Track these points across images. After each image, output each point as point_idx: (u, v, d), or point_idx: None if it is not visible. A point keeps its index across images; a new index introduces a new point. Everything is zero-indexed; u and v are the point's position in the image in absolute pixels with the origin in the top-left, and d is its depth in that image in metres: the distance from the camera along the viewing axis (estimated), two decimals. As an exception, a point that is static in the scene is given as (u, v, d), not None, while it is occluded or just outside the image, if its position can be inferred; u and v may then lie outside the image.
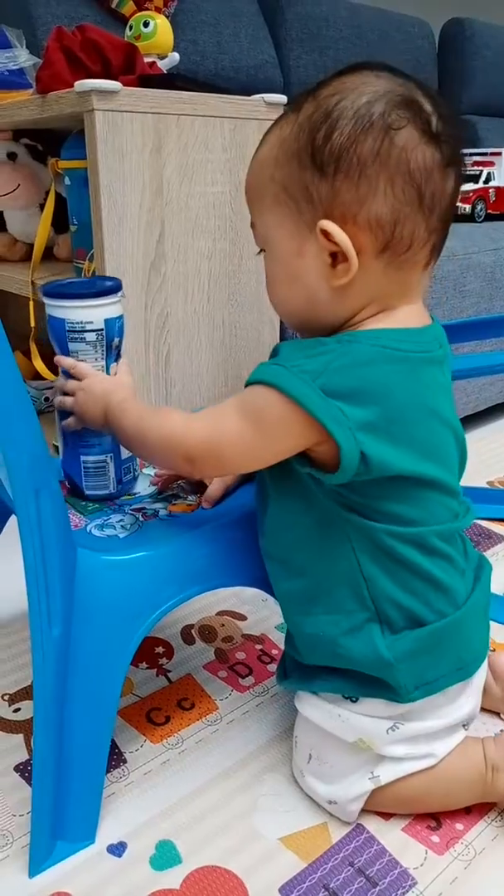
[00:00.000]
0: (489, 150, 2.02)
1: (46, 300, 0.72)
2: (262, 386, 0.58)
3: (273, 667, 0.96)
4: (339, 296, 0.59)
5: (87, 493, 0.80)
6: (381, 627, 0.64)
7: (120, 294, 0.74)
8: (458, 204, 1.92)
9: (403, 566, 0.63)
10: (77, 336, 0.71)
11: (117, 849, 0.71)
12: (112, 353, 0.74)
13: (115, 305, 0.73)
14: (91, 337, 0.72)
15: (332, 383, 0.56)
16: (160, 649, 1.00)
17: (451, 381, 0.64)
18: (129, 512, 0.78)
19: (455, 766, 0.69)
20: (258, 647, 1.00)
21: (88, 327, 0.71)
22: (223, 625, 1.05)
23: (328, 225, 0.56)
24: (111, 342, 0.73)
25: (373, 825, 0.73)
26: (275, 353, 0.62)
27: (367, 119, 0.54)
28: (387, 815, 0.73)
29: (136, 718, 0.87)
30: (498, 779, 0.69)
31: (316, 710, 0.71)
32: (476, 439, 1.73)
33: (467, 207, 1.90)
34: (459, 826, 0.73)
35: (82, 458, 0.78)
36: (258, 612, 1.07)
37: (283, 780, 0.79)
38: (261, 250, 0.65)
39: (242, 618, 1.06)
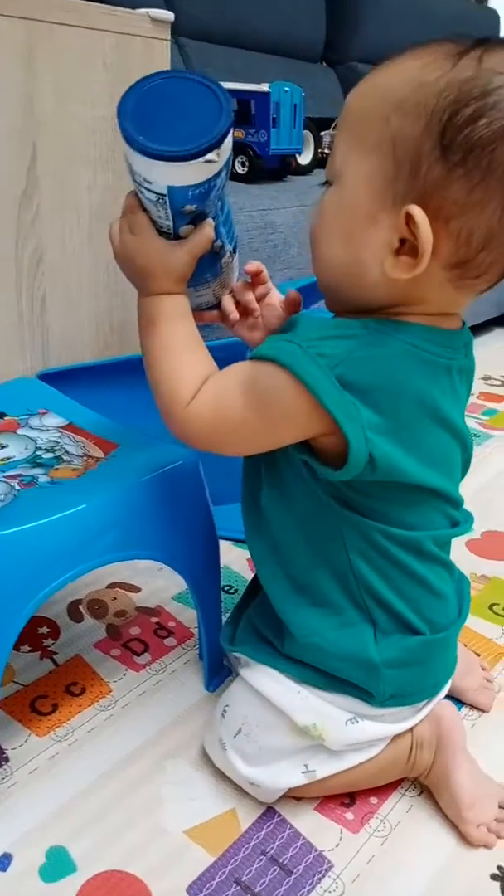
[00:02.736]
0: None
1: (125, 139, 0.52)
2: (273, 364, 0.51)
3: (171, 640, 0.89)
4: (385, 284, 0.51)
5: None
6: (373, 629, 0.61)
7: (205, 157, 0.51)
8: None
9: (397, 568, 0.59)
10: (142, 187, 0.54)
11: (1, 862, 0.62)
12: (184, 218, 0.56)
13: (192, 170, 0.51)
14: (152, 196, 0.54)
15: (351, 374, 0.50)
16: (44, 629, 0.90)
17: (468, 392, 0.60)
18: (3, 479, 0.68)
19: (386, 753, 0.65)
20: (154, 620, 0.92)
21: (148, 186, 0.53)
22: (115, 598, 0.96)
23: (417, 213, 0.47)
24: (180, 209, 0.54)
25: (284, 808, 0.68)
26: (290, 325, 0.54)
27: None
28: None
29: (19, 710, 0.78)
30: (421, 755, 0.67)
31: (272, 681, 0.64)
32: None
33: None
34: (373, 800, 0.69)
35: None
36: (153, 583, 0.99)
37: (186, 765, 0.72)
38: (326, 182, 0.54)
39: (136, 589, 0.98)
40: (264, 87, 1.35)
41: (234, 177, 1.44)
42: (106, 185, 1.06)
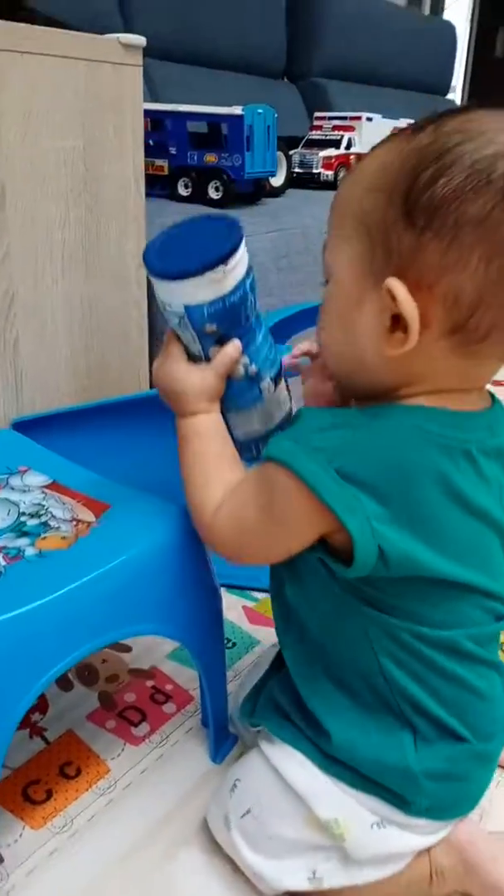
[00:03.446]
0: (349, 115, 1.94)
1: (147, 270, 0.57)
2: (275, 465, 0.50)
3: (170, 706, 0.83)
4: (387, 364, 0.49)
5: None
6: (413, 736, 0.56)
7: (214, 273, 0.53)
8: (321, 170, 1.83)
9: (431, 670, 0.54)
10: (167, 315, 0.59)
11: None
12: (209, 338, 0.58)
13: (204, 288, 0.54)
14: (173, 319, 0.58)
15: (351, 465, 0.47)
16: (32, 701, 0.83)
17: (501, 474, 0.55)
18: (-12, 555, 0.62)
19: (402, 876, 0.59)
20: (149, 683, 0.86)
21: (169, 309, 0.57)
22: (105, 661, 0.90)
23: (396, 286, 0.46)
24: (202, 328, 0.57)
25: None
26: (296, 417, 0.53)
27: (486, 175, 0.43)
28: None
29: (11, 798, 0.71)
30: (442, 885, 0.60)
31: (297, 765, 0.59)
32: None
33: (330, 174, 1.82)
34: None
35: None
36: (143, 640, 0.93)
37: (199, 852, 0.67)
38: (326, 281, 0.54)
39: (126, 649, 0.92)
40: (237, 111, 1.30)
41: (209, 202, 1.39)
42: (79, 219, 1.00)
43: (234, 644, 0.93)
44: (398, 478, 0.48)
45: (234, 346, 0.57)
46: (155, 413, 0.99)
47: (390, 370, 0.50)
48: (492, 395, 0.55)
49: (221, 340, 0.58)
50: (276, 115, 1.38)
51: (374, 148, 0.50)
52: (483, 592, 0.54)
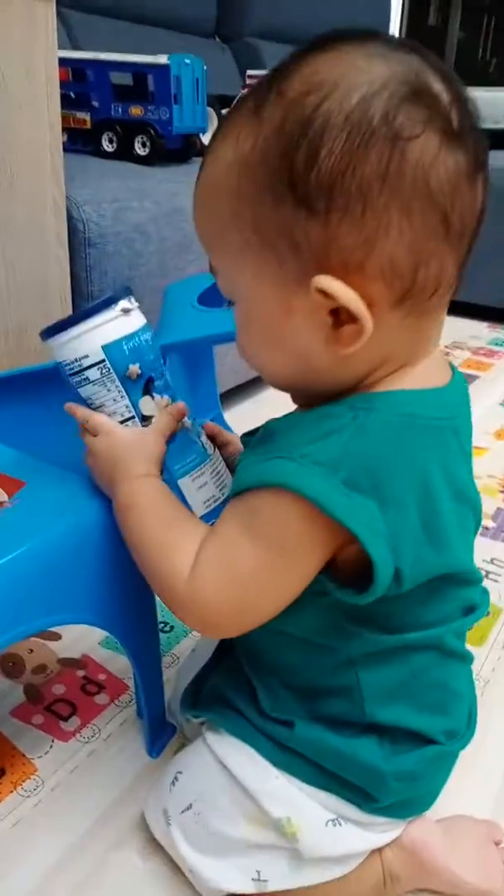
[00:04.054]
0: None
1: (46, 344, 0.54)
2: (269, 490, 0.43)
3: (102, 697, 0.77)
4: (343, 362, 0.43)
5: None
6: (381, 742, 0.51)
7: (120, 305, 0.53)
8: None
9: (414, 678, 0.50)
10: (79, 378, 0.54)
11: None
12: (135, 385, 0.54)
13: (115, 323, 0.53)
14: (94, 374, 0.53)
15: (355, 474, 0.41)
16: (-51, 699, 0.76)
17: (471, 447, 0.50)
18: None
19: (351, 878, 0.55)
20: (80, 673, 0.80)
21: (86, 363, 0.53)
22: (31, 650, 0.83)
23: (326, 283, 0.39)
24: (124, 373, 0.53)
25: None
26: (268, 434, 0.45)
27: (366, 127, 0.37)
28: None
29: None
30: (396, 886, 0.57)
31: (245, 758, 0.54)
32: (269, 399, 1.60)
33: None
34: None
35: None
36: (75, 626, 0.86)
37: (136, 856, 0.61)
38: (229, 303, 0.48)
39: (55, 637, 0.85)
40: (162, 60, 1.22)
41: (135, 158, 1.31)
42: (-9, 172, 0.91)
43: (172, 628, 0.87)
44: (403, 478, 0.42)
45: (166, 400, 0.54)
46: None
47: (347, 367, 0.43)
48: (450, 365, 0.50)
49: (147, 389, 0.54)
50: (205, 68, 1.30)
51: (211, 147, 0.43)
52: (464, 578, 0.50)
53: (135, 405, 0.54)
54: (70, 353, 0.53)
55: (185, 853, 0.56)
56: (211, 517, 0.55)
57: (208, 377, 1.22)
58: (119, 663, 0.81)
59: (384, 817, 0.53)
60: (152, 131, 1.26)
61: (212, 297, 1.05)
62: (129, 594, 0.63)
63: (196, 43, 2.31)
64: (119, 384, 0.53)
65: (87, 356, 0.52)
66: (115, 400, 0.54)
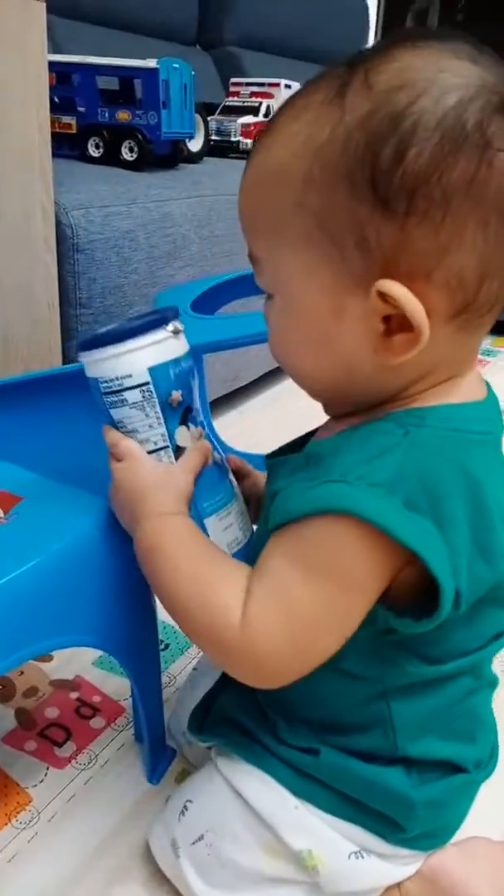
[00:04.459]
0: (266, 81, 1.86)
1: (80, 356, 0.50)
2: (323, 518, 0.39)
3: (98, 721, 0.74)
4: (388, 371, 0.41)
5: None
6: (409, 772, 0.48)
7: (171, 326, 0.49)
8: (240, 138, 1.74)
9: (450, 708, 0.48)
10: (116, 398, 0.49)
11: None
12: (174, 413, 0.50)
13: (164, 344, 0.49)
14: (134, 396, 0.49)
15: (413, 493, 0.39)
16: None
17: None
18: None
19: None
20: (74, 696, 0.77)
21: (128, 383, 0.48)
22: (21, 672, 0.79)
23: (393, 288, 0.37)
24: (166, 399, 0.49)
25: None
26: (312, 459, 0.42)
27: (459, 132, 0.35)
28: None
29: None
30: None
31: (263, 786, 0.51)
32: (255, 410, 1.59)
33: (249, 142, 1.73)
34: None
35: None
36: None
37: (140, 888, 0.58)
38: (268, 296, 0.45)
39: (46, 658, 0.82)
40: (151, 63, 1.20)
41: (122, 164, 1.28)
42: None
43: (168, 645, 0.84)
44: (458, 495, 0.40)
45: (200, 432, 0.50)
46: (77, 391, 0.89)
47: (392, 376, 0.41)
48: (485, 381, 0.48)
49: (185, 418, 0.50)
50: (193, 73, 1.29)
51: (273, 127, 0.41)
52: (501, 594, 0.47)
53: (171, 435, 0.50)
54: (110, 371, 0.48)
55: (194, 886, 0.53)
56: None
57: (198, 387, 1.20)
58: (114, 684, 0.78)
59: (408, 849, 0.50)
60: (140, 136, 1.24)
61: (204, 305, 1.03)
62: (130, 614, 0.60)
63: (177, 50, 2.30)
64: (159, 410, 0.49)
65: (129, 376, 0.48)
66: (150, 426, 0.49)
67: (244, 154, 1.75)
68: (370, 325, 0.39)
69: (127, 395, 0.48)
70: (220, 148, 1.74)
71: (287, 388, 1.68)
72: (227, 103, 1.84)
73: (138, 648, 0.61)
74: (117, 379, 0.48)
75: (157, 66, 1.19)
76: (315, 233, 0.39)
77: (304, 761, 0.49)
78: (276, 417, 1.47)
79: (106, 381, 0.49)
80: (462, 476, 0.40)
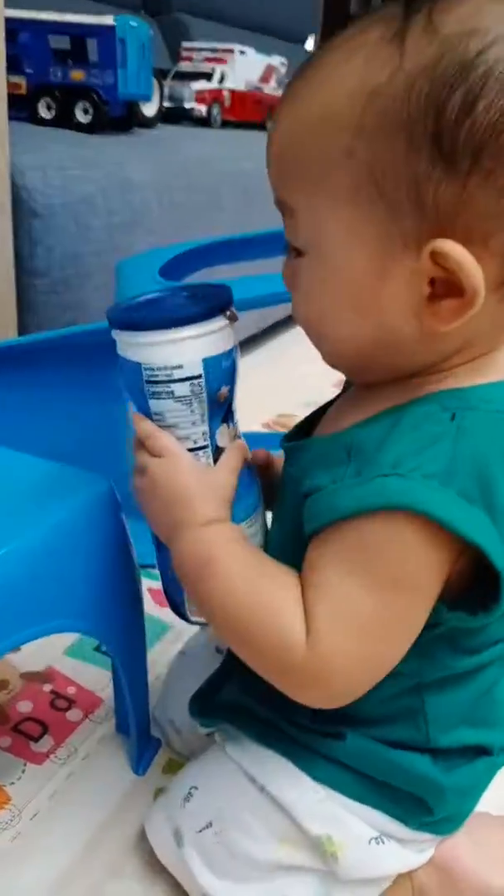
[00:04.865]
0: (220, 46, 1.80)
1: (119, 334, 0.45)
2: (377, 516, 0.37)
3: (75, 713, 0.70)
4: (428, 340, 0.38)
5: (192, 617, 0.51)
6: (434, 758, 0.46)
7: (228, 312, 0.45)
8: (194, 105, 1.69)
9: (481, 697, 0.46)
10: (161, 389, 0.44)
11: None
12: (219, 411, 0.46)
13: (220, 333, 0.44)
14: (182, 389, 0.44)
15: (466, 483, 0.36)
16: None
17: None
18: None
19: None
20: (47, 688, 0.72)
21: (178, 374, 0.43)
22: (-10, 664, 0.75)
23: (452, 248, 0.34)
24: (215, 394, 0.45)
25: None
26: (353, 450, 0.39)
27: None
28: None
29: None
30: None
31: (280, 770, 0.48)
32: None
33: (203, 109, 1.68)
34: None
35: None
36: (36, 634, 0.78)
37: (135, 884, 0.55)
38: (297, 252, 0.41)
39: (13, 649, 0.77)
40: (108, 21, 1.13)
41: (75, 126, 1.22)
42: None
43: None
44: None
45: (237, 429, 0.47)
46: (54, 362, 0.84)
47: (432, 345, 0.38)
48: None
49: (226, 417, 0.47)
50: (151, 33, 1.23)
51: (319, 65, 0.37)
52: None
53: (212, 434, 0.46)
54: (161, 359, 0.43)
55: (200, 877, 0.50)
56: None
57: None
58: (89, 674, 0.74)
59: (428, 833, 0.49)
60: (95, 97, 1.18)
61: (171, 273, 0.98)
62: (120, 595, 0.57)
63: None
64: (206, 406, 0.45)
65: (181, 366, 0.43)
66: (193, 423, 0.45)
67: (198, 121, 1.70)
68: (416, 287, 0.36)
69: (175, 387, 0.44)
70: (173, 114, 1.68)
71: (248, 366, 1.65)
72: (179, 69, 1.78)
73: (127, 633, 0.58)
74: (167, 368, 0.43)
75: (114, 23, 1.13)
76: (364, 185, 0.35)
77: (326, 745, 0.47)
78: (238, 396, 1.44)
79: (152, 369, 0.43)
80: None
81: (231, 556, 0.42)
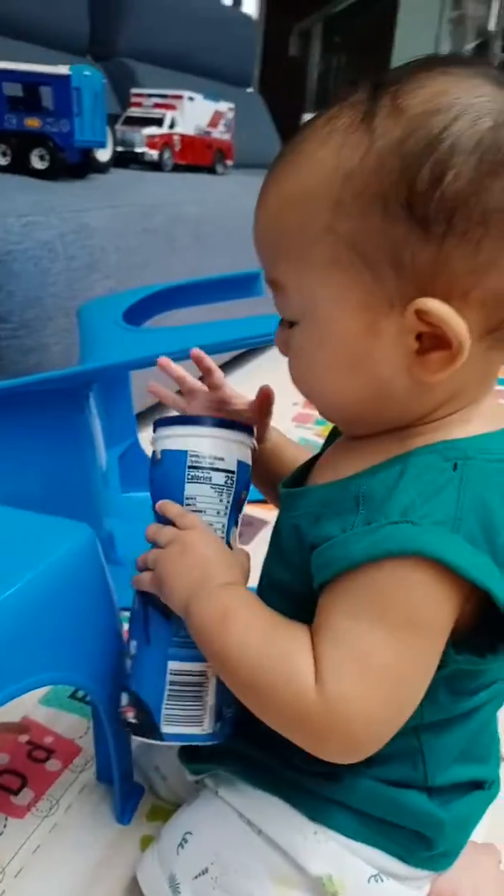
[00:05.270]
0: (169, 93, 1.84)
1: (161, 430, 0.52)
2: (392, 561, 0.38)
3: (54, 763, 0.69)
4: (421, 389, 0.40)
5: (165, 729, 0.49)
6: (430, 794, 0.47)
7: (254, 436, 0.54)
8: (145, 149, 1.72)
9: (477, 734, 0.47)
10: (201, 475, 0.50)
11: None
12: (236, 512, 0.52)
13: (248, 449, 0.53)
14: (219, 479, 0.50)
15: (471, 529, 0.38)
16: None
17: None
18: None
19: None
20: (23, 738, 0.71)
21: (219, 465, 0.50)
22: (-37, 716, 0.73)
23: (435, 306, 0.37)
24: (239, 494, 0.52)
25: None
26: (360, 499, 0.40)
27: (497, 154, 0.35)
28: None
29: None
30: None
31: (276, 812, 0.48)
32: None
33: (154, 154, 1.71)
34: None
35: (169, 663, 0.49)
36: (8, 684, 0.77)
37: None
38: (289, 323, 0.44)
39: (-10, 699, 0.76)
40: (63, 70, 1.15)
41: (31, 172, 1.23)
42: None
43: (118, 674, 0.80)
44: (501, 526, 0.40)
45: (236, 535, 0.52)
46: (25, 410, 0.84)
47: (423, 396, 0.41)
48: None
49: (238, 522, 0.53)
50: (104, 81, 1.25)
51: (296, 152, 0.40)
52: None
53: (228, 529, 0.51)
54: (207, 448, 0.50)
55: None
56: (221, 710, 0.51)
57: (124, 402, 1.16)
58: (66, 722, 0.73)
59: (426, 870, 0.49)
60: (52, 144, 1.19)
61: (133, 317, 1.00)
62: (101, 644, 0.57)
63: (69, 60, 2.24)
64: (231, 501, 0.51)
65: (222, 459, 0.50)
66: (217, 513, 0.50)
67: (149, 165, 1.72)
68: (404, 342, 0.38)
69: (214, 475, 0.50)
70: (125, 159, 1.70)
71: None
72: (129, 114, 1.81)
73: (111, 681, 0.58)
74: (211, 458, 0.50)
75: (70, 72, 1.15)
76: (345, 256, 0.38)
77: (323, 786, 0.47)
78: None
79: (198, 456, 0.50)
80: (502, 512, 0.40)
81: (247, 611, 0.44)
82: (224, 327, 0.88)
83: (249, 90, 3.43)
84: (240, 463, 0.51)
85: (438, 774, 0.47)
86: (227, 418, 0.52)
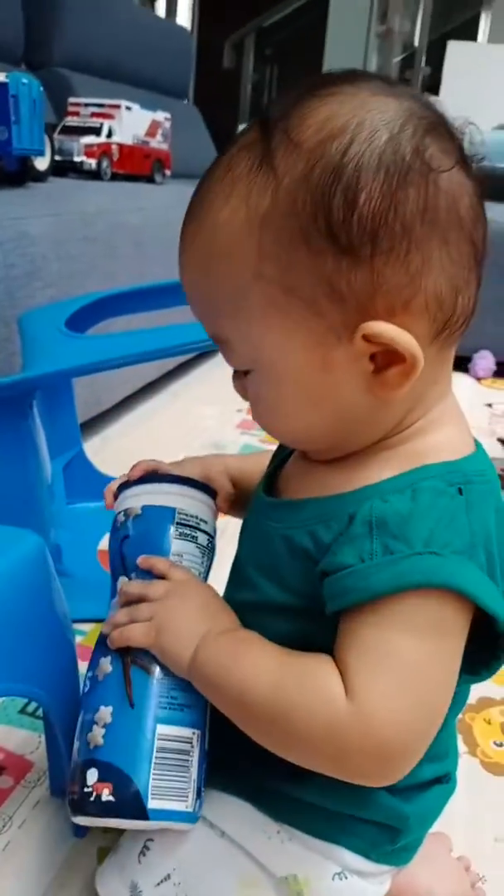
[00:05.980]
0: (106, 102, 1.84)
1: (140, 487, 0.53)
2: (416, 592, 0.38)
3: (6, 780, 0.67)
4: (383, 405, 0.41)
5: (152, 804, 0.45)
6: (391, 792, 0.47)
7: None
8: (83, 158, 1.71)
9: (443, 734, 0.46)
10: (189, 533, 0.52)
11: None
12: (208, 573, 0.54)
13: (214, 515, 0.56)
14: (203, 540, 0.53)
15: (479, 554, 0.40)
16: None
17: None
18: None
19: None
20: (-27, 755, 0.70)
21: (203, 526, 0.53)
22: None
23: (380, 328, 0.37)
24: (212, 558, 0.55)
25: None
26: (375, 526, 0.39)
27: (401, 164, 0.36)
28: None
29: None
30: None
31: (237, 813, 0.48)
32: (118, 435, 1.56)
33: (93, 162, 1.70)
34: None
35: (159, 727, 0.46)
36: (-45, 701, 0.75)
37: None
38: (241, 372, 0.44)
39: None
40: (0, 77, 1.14)
41: (-32, 181, 1.21)
42: None
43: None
44: (501, 548, 0.41)
45: None
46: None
47: (388, 411, 0.41)
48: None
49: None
50: (41, 89, 1.24)
51: (205, 207, 0.40)
52: None
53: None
54: (196, 510, 0.52)
55: None
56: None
57: (68, 411, 1.15)
58: (16, 738, 0.72)
59: (388, 865, 0.50)
60: (-11, 152, 1.18)
61: (77, 324, 0.99)
62: (56, 654, 0.56)
63: (3, 69, 2.21)
64: (208, 564, 0.53)
65: (206, 521, 0.53)
66: (199, 574, 0.52)
67: (87, 174, 1.71)
68: (360, 367, 0.39)
69: (199, 535, 0.52)
70: (63, 167, 1.69)
71: (150, 411, 1.66)
72: (67, 123, 1.79)
73: (65, 692, 0.57)
74: (198, 518, 0.52)
75: (7, 80, 1.14)
76: (281, 299, 0.39)
77: (287, 785, 0.47)
78: (141, 442, 1.44)
79: (186, 515, 0.52)
80: (501, 528, 0.41)
81: (259, 642, 0.44)
82: (168, 333, 0.88)
83: (185, 102, 3.45)
84: (214, 530, 0.54)
85: (407, 776, 0.47)
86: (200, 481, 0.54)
